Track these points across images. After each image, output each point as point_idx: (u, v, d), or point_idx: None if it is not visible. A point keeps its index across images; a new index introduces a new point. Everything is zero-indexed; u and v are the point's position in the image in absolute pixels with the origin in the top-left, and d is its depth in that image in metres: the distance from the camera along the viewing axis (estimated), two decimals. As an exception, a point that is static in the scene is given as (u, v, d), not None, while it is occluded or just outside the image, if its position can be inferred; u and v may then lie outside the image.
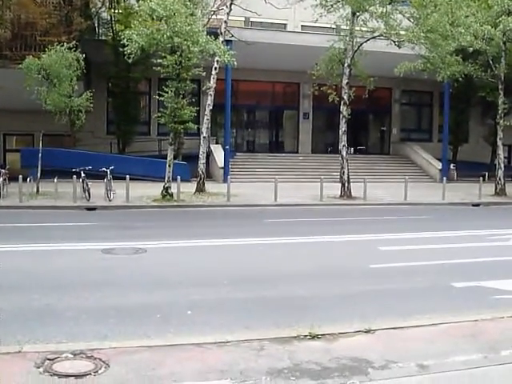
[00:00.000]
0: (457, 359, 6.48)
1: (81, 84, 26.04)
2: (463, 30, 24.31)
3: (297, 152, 39.82)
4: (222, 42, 25.38)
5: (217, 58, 24.92)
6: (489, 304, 9.04)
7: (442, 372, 6.15)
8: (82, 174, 22.53)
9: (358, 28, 25.97)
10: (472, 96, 36.80)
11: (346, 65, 25.82)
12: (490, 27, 25.50)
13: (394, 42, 25.43)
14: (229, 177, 25.71)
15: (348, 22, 25.88)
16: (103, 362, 6.18)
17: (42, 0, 29.85)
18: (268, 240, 14.99)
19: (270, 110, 41.68)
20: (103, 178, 22.87)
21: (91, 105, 23.96)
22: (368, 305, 9.03)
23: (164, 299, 9.19)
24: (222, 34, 26.72)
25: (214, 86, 26.78)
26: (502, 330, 7.55)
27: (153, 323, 7.87)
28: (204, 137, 26.93)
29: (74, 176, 22.23)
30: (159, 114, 24.04)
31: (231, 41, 29.24)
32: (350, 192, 25.66)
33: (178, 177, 23.14)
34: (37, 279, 10.23)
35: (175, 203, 22.79)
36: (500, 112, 28.66)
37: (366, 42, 25.69)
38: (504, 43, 27.01)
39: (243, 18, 37.53)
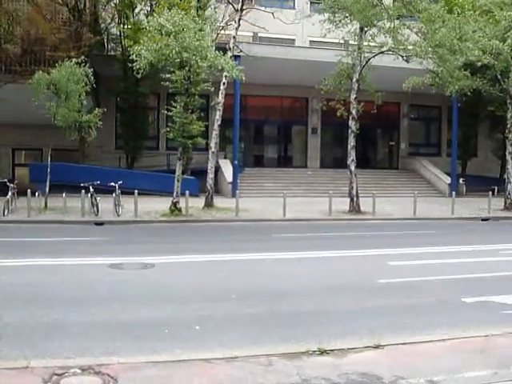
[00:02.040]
0: (467, 375, 6.43)
1: (89, 99, 26.17)
2: (471, 45, 24.33)
3: (305, 167, 39.82)
4: (231, 57, 25.41)
5: (225, 73, 25.02)
6: (499, 319, 8.97)
7: (452, 388, 6.11)
8: (91, 189, 22.54)
9: (366, 43, 26.07)
10: (480, 110, 36.81)
11: (354, 80, 25.85)
12: (497, 42, 25.52)
13: (402, 56, 25.46)
14: (237, 192, 25.67)
15: (356, 37, 25.98)
16: (111, 377, 6.16)
17: (52, 16, 30.15)
18: (277, 255, 14.96)
19: (279, 125, 41.74)
20: (112, 193, 22.87)
21: (100, 122, 24.02)
22: (377, 320, 8.98)
23: (172, 314, 9.16)
24: (230, 49, 26.80)
25: (223, 100, 26.86)
26: (512, 346, 7.50)
27: (161, 338, 7.84)
28: (212, 152, 26.95)
29: (83, 191, 22.22)
30: (168, 129, 24.07)
31: (240, 56, 29.34)
32: (359, 207, 25.59)
33: (187, 191, 23.13)
34: (44, 294, 10.21)
35: (184, 218, 22.77)
36: (509, 126, 28.63)
37: (374, 56, 25.75)
38: (512, 58, 27.02)
39: (251, 34, 37.66)
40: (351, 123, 25.96)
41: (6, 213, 21.56)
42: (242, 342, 7.73)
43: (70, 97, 23.17)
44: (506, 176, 29.33)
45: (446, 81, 26.02)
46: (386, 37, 25.53)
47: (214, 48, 22.99)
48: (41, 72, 23.44)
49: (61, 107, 23.10)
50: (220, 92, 26.66)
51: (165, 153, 35.42)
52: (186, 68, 22.46)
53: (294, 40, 40.60)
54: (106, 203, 22.53)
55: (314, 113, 40.05)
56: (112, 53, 35.48)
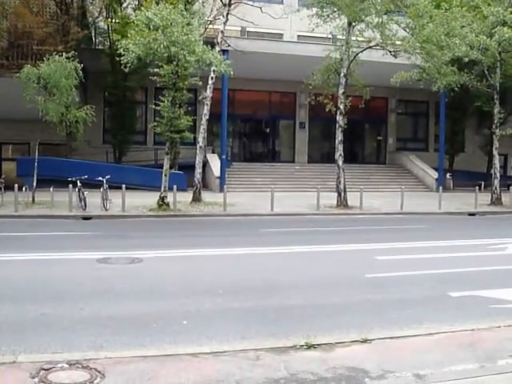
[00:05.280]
0: (453, 369, 6.46)
1: (77, 93, 26.05)
2: (458, 41, 24.39)
3: (293, 161, 39.86)
4: (219, 51, 25.42)
5: (213, 68, 24.96)
6: (485, 313, 9.02)
7: (438, 382, 6.14)
8: (78, 184, 22.50)
9: (354, 38, 26.11)
10: (468, 106, 36.94)
11: (342, 74, 25.87)
12: (485, 37, 25.63)
13: (390, 51, 25.52)
14: (225, 186, 25.69)
15: (344, 32, 26.00)
16: (99, 372, 6.15)
17: (39, 9, 29.96)
18: (264, 249, 14.98)
19: (267, 120, 41.71)
20: (99, 188, 22.83)
21: (90, 119, 23.96)
22: (364, 314, 9.02)
23: (160, 309, 9.16)
24: (218, 43, 26.79)
25: (211, 95, 26.84)
26: (498, 340, 7.53)
27: (148, 333, 7.84)
28: (200, 146, 26.93)
29: (70, 185, 22.18)
30: (155, 124, 24.04)
31: (228, 50, 29.33)
32: (347, 201, 25.65)
33: (175, 186, 23.11)
34: (32, 289, 10.17)
35: (171, 213, 22.75)
36: (495, 121, 28.80)
37: (362, 51, 25.78)
38: (499, 53, 27.12)
39: (240, 28, 37.63)
40: (339, 118, 25.99)
41: (-8, 207, 21.52)
42: (229, 336, 7.74)
43: (61, 92, 23.07)
44: (492, 171, 29.50)
45: (433, 76, 26.09)
46: (373, 32, 25.58)
47: (201, 42, 22.95)
48: (29, 66, 23.31)
49: (50, 102, 22.99)
50: (208, 86, 26.65)
51: (152, 147, 35.40)
52: (174, 62, 22.41)
53: (282, 34, 40.57)
54: (93, 198, 22.49)
55: (301, 107, 40.09)
56: (100, 47, 35.35)
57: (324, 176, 33.22)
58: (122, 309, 9.12)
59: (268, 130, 41.65)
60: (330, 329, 8.11)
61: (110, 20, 33.28)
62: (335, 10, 25.41)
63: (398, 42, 25.24)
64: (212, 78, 26.53)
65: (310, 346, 7.07)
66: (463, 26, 25.10)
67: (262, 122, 42.05)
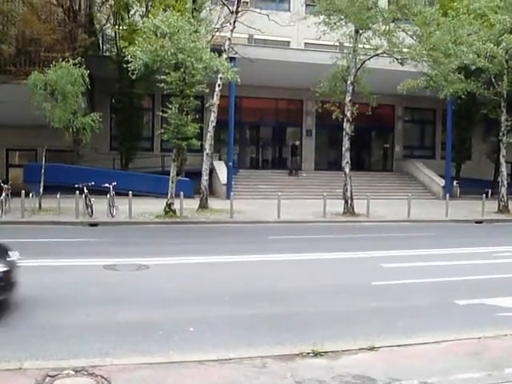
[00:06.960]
0: (460, 377, 6.44)
1: (84, 100, 26.11)
2: (466, 48, 24.40)
3: (300, 169, 39.80)
4: (226, 58, 25.43)
5: (220, 75, 25.01)
6: (492, 321, 8.99)
7: (445, 390, 6.13)
8: (85, 190, 22.52)
9: (361, 45, 26.09)
10: (475, 113, 36.89)
11: (349, 82, 25.88)
12: (492, 45, 25.60)
13: (397, 59, 25.51)
14: (232, 193, 25.69)
15: (351, 40, 25.99)
16: (105, 378, 6.15)
17: (47, 16, 30.07)
18: (270, 257, 14.96)
19: (274, 127, 41.70)
20: (106, 194, 22.85)
21: (97, 126, 24.02)
22: (371, 322, 8.99)
23: (166, 316, 9.15)
24: (225, 50, 26.81)
25: (218, 102, 26.85)
26: (505, 348, 7.51)
27: (155, 340, 7.84)
28: (207, 153, 26.95)
29: (77, 192, 22.21)
30: (162, 131, 24.04)
31: (235, 58, 29.36)
32: (353, 209, 25.60)
33: (181, 193, 23.12)
34: (37, 295, 10.17)
35: (178, 219, 22.75)
36: (503, 129, 28.74)
37: (369, 59, 25.77)
38: (506, 61, 27.08)
39: (247, 35, 37.69)
40: (346, 125, 25.97)
41: (-1, 214, 21.55)
42: (236, 343, 7.72)
43: (67, 98, 23.14)
44: (499, 179, 29.44)
45: (440, 84, 26.08)
46: (381, 39, 25.59)
47: (209, 50, 22.98)
48: (36, 73, 23.40)
49: (57, 108, 23.08)
50: (215, 94, 26.66)
51: (159, 154, 35.42)
52: (181, 69, 22.43)
53: (289, 42, 40.58)
54: (100, 204, 22.51)
55: (308, 115, 40.08)
56: (107, 54, 35.45)
57: (331, 183, 33.14)
58: (129, 315, 9.12)
59: (297, 143, 40.91)
60: (336, 336, 8.09)
61: (117, 27, 33.35)
62: (342, 17, 25.42)
63: (405, 50, 25.22)
64: (219, 85, 26.55)
65: (316, 354, 7.06)
66: (470, 34, 25.11)
67: (268, 130, 42.01)
